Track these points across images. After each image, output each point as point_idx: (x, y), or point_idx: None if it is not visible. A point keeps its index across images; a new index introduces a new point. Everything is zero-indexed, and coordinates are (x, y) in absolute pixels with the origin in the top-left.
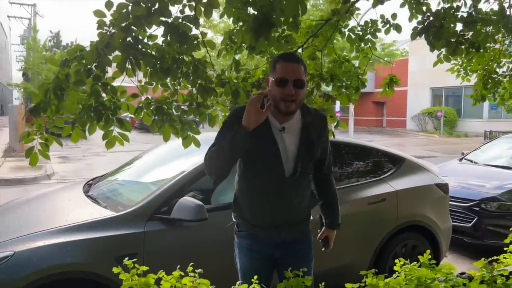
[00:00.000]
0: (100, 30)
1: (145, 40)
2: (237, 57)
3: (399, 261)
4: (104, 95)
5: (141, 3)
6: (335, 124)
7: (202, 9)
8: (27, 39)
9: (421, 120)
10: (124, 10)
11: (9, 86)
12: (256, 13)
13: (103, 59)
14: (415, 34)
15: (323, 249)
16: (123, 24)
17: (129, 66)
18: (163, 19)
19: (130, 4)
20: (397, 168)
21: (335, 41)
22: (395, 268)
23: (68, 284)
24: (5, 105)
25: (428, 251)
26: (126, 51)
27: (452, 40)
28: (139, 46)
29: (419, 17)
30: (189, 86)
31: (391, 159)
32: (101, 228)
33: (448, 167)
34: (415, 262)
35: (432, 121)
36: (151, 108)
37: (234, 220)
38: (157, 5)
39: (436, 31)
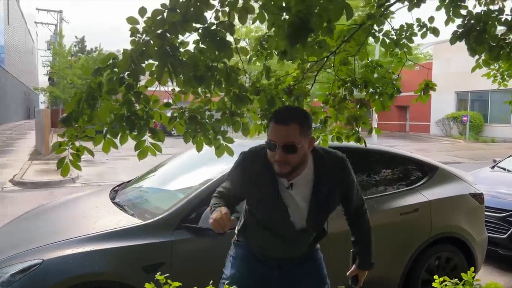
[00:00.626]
0: (133, 38)
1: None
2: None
3: (438, 277)
4: (136, 104)
5: (177, 10)
6: (368, 130)
7: (236, 15)
8: (53, 45)
9: (445, 125)
10: (159, 17)
11: (35, 91)
12: (292, 18)
13: (136, 68)
14: (455, 38)
15: (352, 286)
16: (159, 31)
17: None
18: (197, 25)
19: (166, 11)
20: (430, 177)
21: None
22: (433, 284)
23: None
24: (31, 108)
25: (472, 269)
26: (163, 59)
27: (493, 44)
28: (177, 54)
29: (457, 21)
30: (220, 94)
31: (423, 167)
32: (128, 236)
33: (480, 175)
34: (457, 280)
35: (457, 126)
36: (184, 118)
37: (235, 231)
38: (191, 11)
39: (477, 35)
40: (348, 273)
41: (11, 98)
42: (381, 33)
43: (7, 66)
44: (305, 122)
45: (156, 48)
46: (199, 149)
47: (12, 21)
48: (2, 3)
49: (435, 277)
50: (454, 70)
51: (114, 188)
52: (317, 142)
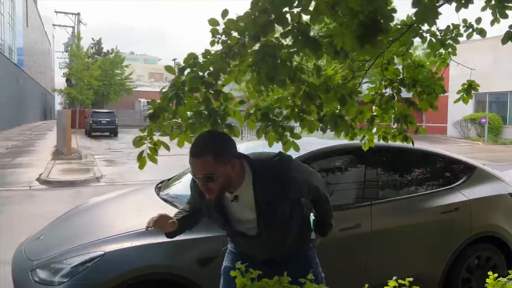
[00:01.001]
0: (212, 38)
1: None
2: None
3: (476, 276)
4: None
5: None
6: (414, 130)
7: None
8: (71, 47)
9: (463, 126)
10: (250, 18)
11: (53, 92)
12: (360, 19)
13: (220, 67)
14: (507, 38)
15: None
16: (253, 33)
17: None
18: (279, 28)
19: (256, 13)
20: (468, 176)
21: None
22: (487, 280)
23: (153, 285)
24: (47, 109)
25: None
26: (265, 60)
27: None
28: (277, 55)
29: (502, 21)
30: (281, 92)
31: (462, 166)
32: None
33: None
34: None
35: (475, 127)
36: (257, 115)
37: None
38: (276, 12)
39: None
40: (317, 242)
41: (30, 99)
42: (428, 34)
43: (25, 67)
44: (220, 149)
45: (250, 49)
46: (271, 144)
47: (30, 23)
48: (21, 5)
49: (489, 273)
50: (472, 71)
51: (157, 185)
52: (363, 141)
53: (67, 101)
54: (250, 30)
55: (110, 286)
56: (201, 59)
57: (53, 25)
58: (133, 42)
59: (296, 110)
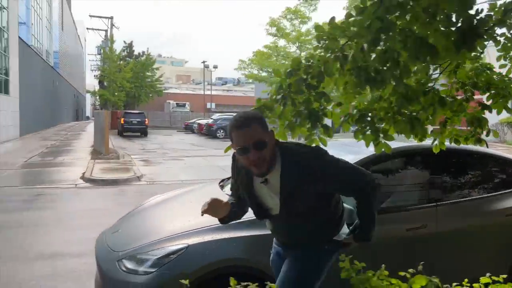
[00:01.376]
0: (317, 44)
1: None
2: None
3: None
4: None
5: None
6: (486, 132)
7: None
8: (104, 49)
9: (499, 130)
10: (363, 24)
11: (87, 93)
12: (452, 25)
13: (330, 70)
14: None
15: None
16: (370, 38)
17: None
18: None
19: (370, 21)
20: None
21: None
22: None
23: (232, 277)
24: (79, 110)
25: None
26: (389, 66)
27: None
28: (399, 60)
29: None
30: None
31: None
32: (258, 226)
33: None
34: None
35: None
36: (353, 117)
37: None
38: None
39: None
40: (344, 239)
41: (63, 100)
42: (503, 37)
43: (60, 70)
44: (262, 119)
45: (368, 54)
46: (367, 144)
47: (65, 27)
48: (57, 10)
49: None
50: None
51: (219, 182)
52: (434, 143)
53: (98, 103)
54: (363, 36)
55: (194, 278)
56: (304, 63)
57: (87, 28)
58: (160, 45)
59: (390, 112)
